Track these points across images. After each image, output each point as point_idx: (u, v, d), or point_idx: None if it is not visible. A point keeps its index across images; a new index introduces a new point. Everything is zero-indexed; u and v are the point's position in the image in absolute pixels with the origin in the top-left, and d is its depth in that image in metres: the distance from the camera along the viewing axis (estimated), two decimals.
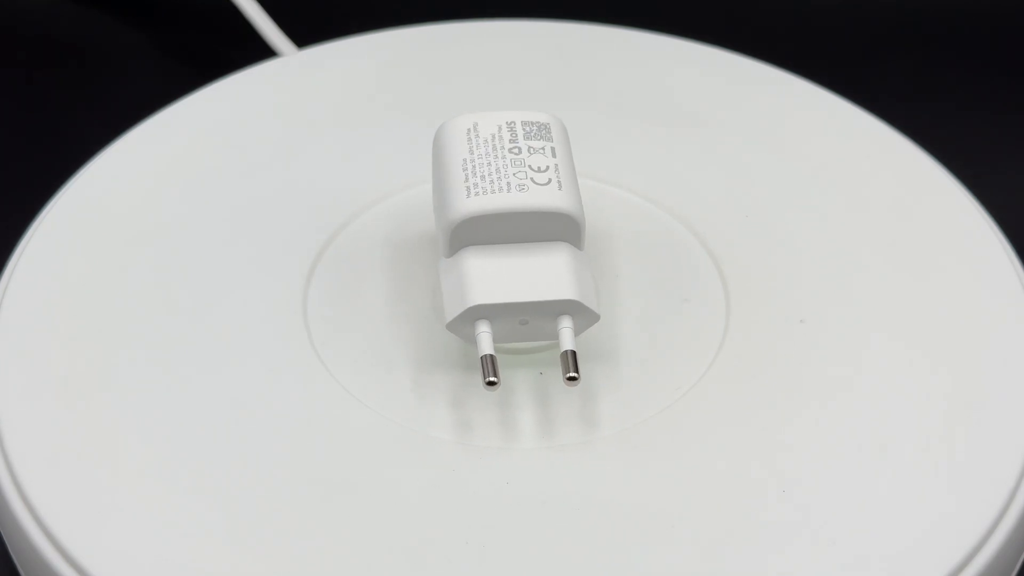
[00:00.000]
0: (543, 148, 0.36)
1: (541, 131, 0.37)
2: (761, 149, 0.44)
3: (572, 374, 0.35)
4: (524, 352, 0.37)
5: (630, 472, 0.35)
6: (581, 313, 0.35)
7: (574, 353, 0.35)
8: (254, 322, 0.38)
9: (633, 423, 0.36)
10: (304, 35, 0.50)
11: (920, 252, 0.40)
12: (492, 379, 0.35)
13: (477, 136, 0.36)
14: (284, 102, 0.45)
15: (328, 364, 0.37)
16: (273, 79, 0.46)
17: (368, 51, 0.47)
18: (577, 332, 0.35)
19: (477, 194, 0.35)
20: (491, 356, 0.35)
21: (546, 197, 0.36)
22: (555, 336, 0.36)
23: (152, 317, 0.38)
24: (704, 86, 0.46)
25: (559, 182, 0.36)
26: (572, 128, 0.44)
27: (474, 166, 0.36)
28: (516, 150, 0.36)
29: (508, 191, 0.36)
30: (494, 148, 0.36)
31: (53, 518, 0.34)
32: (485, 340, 0.35)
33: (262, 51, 0.49)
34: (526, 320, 0.35)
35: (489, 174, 0.36)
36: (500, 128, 0.37)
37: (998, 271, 0.40)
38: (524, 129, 0.37)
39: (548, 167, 0.36)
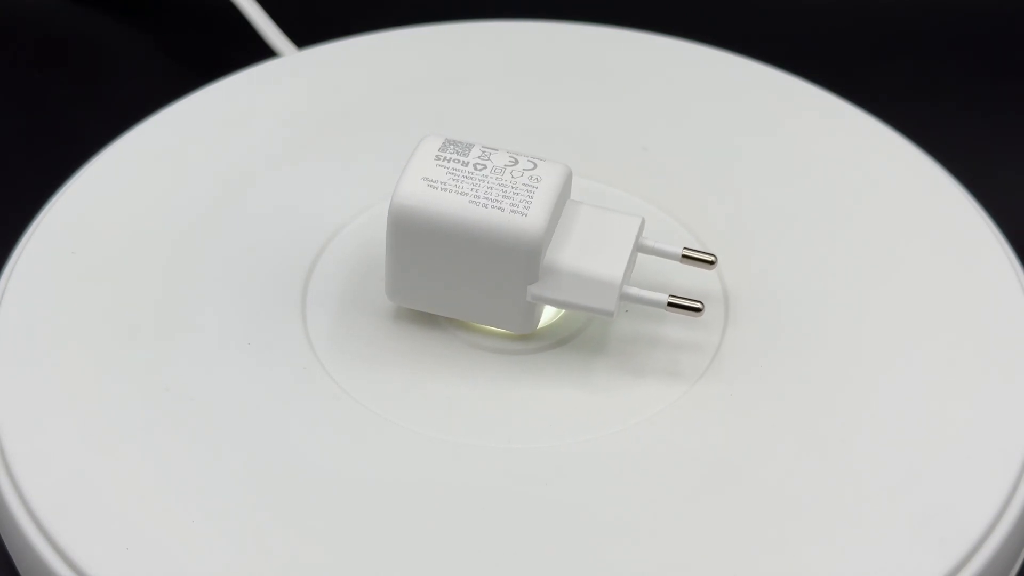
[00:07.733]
0: (484, 152, 0.37)
1: (456, 145, 0.37)
2: (760, 149, 0.44)
3: (709, 258, 0.37)
4: (512, 354, 0.37)
5: (629, 470, 0.35)
6: (643, 228, 0.37)
7: (687, 247, 0.37)
8: (253, 321, 0.38)
9: (629, 423, 0.36)
10: (304, 35, 0.50)
11: (919, 252, 0.40)
12: (697, 305, 0.37)
13: (443, 183, 0.36)
14: (284, 102, 0.45)
15: (328, 365, 0.37)
16: (273, 79, 0.46)
17: (368, 51, 0.47)
18: None
19: (527, 209, 0.35)
20: (672, 295, 0.37)
21: (555, 172, 0.36)
22: (634, 264, 0.37)
23: (151, 316, 0.38)
24: (704, 87, 0.46)
25: (537, 159, 0.36)
26: (573, 129, 0.44)
27: (487, 199, 0.36)
28: (480, 166, 0.36)
29: (536, 189, 0.36)
30: (469, 178, 0.36)
31: (51, 518, 0.34)
32: (648, 293, 0.37)
33: (262, 51, 0.50)
34: (633, 263, 0.37)
35: (505, 193, 0.36)
36: (442, 164, 0.36)
37: (998, 271, 0.40)
38: (451, 152, 0.37)
39: (514, 158, 0.36)
